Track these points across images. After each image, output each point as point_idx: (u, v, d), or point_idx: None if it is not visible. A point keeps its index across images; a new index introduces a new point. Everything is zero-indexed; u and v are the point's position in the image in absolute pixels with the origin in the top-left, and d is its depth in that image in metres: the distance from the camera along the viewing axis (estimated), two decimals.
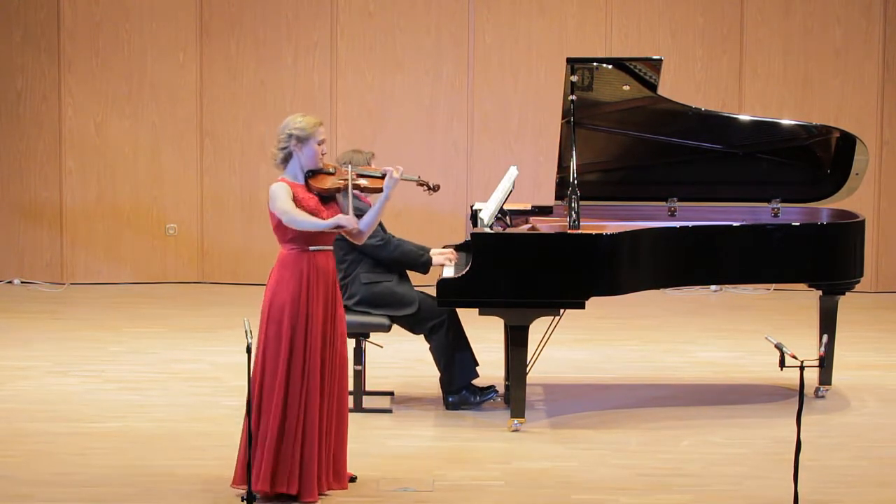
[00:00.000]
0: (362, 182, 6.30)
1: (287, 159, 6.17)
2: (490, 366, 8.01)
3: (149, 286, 11.32)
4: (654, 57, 7.96)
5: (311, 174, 6.19)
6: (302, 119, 6.17)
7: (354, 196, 6.41)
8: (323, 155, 6.20)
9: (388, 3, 11.24)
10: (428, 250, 7.66)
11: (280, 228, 6.13)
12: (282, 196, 6.08)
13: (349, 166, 6.30)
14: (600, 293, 7.23)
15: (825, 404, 7.85)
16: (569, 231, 7.39)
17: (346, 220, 6.14)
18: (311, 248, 6.13)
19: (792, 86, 11.26)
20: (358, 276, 7.52)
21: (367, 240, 7.28)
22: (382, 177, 6.35)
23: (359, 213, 6.33)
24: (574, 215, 7.46)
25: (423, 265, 7.60)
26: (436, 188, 6.69)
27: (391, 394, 7.88)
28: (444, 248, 7.84)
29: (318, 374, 6.08)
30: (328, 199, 6.22)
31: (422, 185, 6.64)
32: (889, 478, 6.59)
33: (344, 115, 11.22)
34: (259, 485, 6.01)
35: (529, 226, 8.05)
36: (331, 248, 6.22)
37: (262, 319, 6.13)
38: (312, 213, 6.11)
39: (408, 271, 7.71)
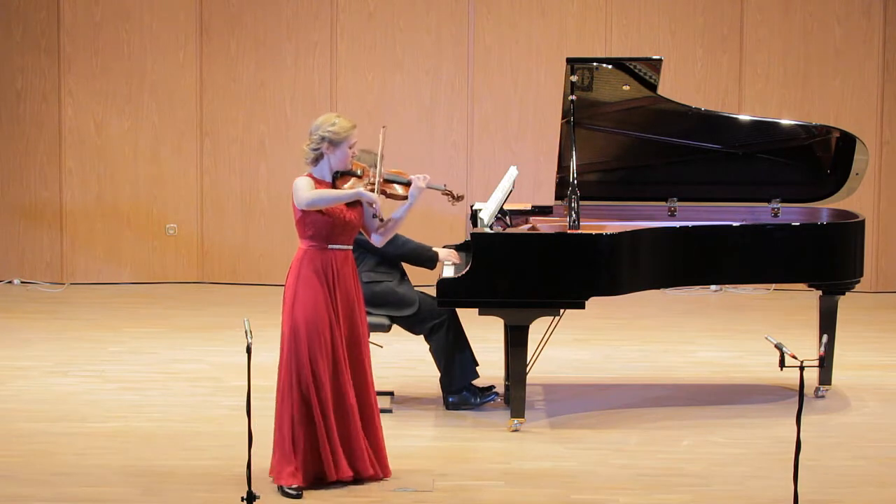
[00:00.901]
0: (389, 189, 6.34)
1: (318, 160, 6.24)
2: (490, 366, 8.01)
3: (149, 286, 11.32)
4: (654, 57, 7.96)
5: (339, 175, 6.23)
6: (336, 122, 6.22)
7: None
8: (353, 157, 6.25)
9: (388, 3, 11.24)
10: (431, 249, 7.68)
11: (301, 223, 6.19)
12: (304, 187, 6.14)
13: (375, 168, 6.32)
14: (600, 293, 7.23)
15: (825, 404, 7.85)
16: (569, 231, 7.39)
17: (369, 194, 6.17)
18: (331, 246, 6.19)
19: (792, 86, 11.25)
20: (360, 274, 7.52)
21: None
22: (407, 183, 6.38)
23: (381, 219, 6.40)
24: (574, 215, 7.46)
25: (430, 260, 7.62)
26: (459, 198, 6.72)
27: (391, 394, 7.88)
28: (443, 248, 7.84)
29: (344, 369, 6.19)
30: (354, 201, 6.25)
31: (447, 194, 6.67)
32: (889, 478, 6.59)
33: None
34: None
35: (529, 226, 8.05)
36: (350, 247, 6.26)
37: (285, 319, 6.19)
38: (337, 212, 6.17)
39: (410, 272, 7.72)
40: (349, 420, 6.22)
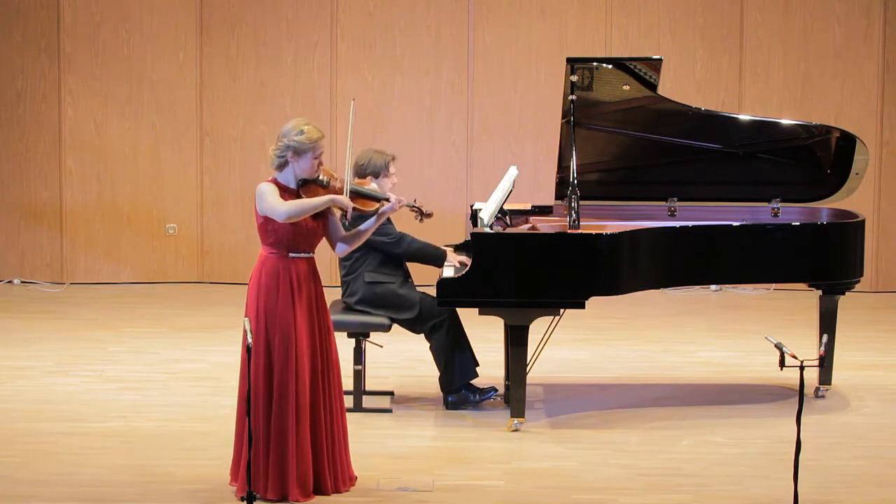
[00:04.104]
0: (357, 202, 6.21)
1: (283, 166, 6.13)
2: (490, 366, 8.01)
3: (149, 286, 11.32)
4: (654, 57, 7.96)
5: (304, 183, 6.15)
6: (305, 130, 6.07)
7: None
8: (319, 167, 6.15)
9: (388, 2, 11.25)
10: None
11: (263, 229, 6.08)
12: (269, 194, 6.02)
13: (348, 135, 6.24)
14: (600, 293, 7.23)
15: (825, 404, 7.85)
16: (569, 231, 7.39)
17: (342, 199, 6.08)
18: (292, 254, 6.09)
19: (792, 86, 11.26)
20: (361, 274, 7.52)
21: (379, 237, 7.31)
22: (376, 199, 6.29)
23: (356, 216, 6.31)
24: (574, 215, 7.46)
25: (439, 258, 7.60)
26: (428, 215, 6.60)
27: (391, 394, 7.88)
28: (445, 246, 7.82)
29: (307, 379, 6.06)
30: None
31: (415, 210, 6.57)
32: (889, 478, 6.59)
33: (344, 115, 11.21)
34: (260, 490, 6.04)
35: (529, 226, 8.05)
36: (312, 254, 6.17)
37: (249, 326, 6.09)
38: (303, 221, 6.05)
39: (413, 271, 7.71)
40: (303, 440, 6.06)
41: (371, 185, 6.54)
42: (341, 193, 6.15)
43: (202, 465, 6.60)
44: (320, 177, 6.15)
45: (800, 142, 8.26)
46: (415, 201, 6.56)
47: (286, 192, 6.09)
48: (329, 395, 6.17)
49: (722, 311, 10.60)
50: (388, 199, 6.29)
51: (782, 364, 5.47)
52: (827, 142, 8.20)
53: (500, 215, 7.69)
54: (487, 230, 7.24)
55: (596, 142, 8.10)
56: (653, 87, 7.89)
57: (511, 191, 7.78)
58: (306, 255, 6.13)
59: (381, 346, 7.93)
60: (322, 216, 6.17)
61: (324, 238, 6.23)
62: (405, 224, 7.64)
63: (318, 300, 6.17)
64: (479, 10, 11.27)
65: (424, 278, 8.03)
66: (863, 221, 7.90)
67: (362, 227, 6.30)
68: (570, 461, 6.78)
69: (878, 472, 6.66)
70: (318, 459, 6.13)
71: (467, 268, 7.17)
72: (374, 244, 7.40)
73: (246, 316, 6.06)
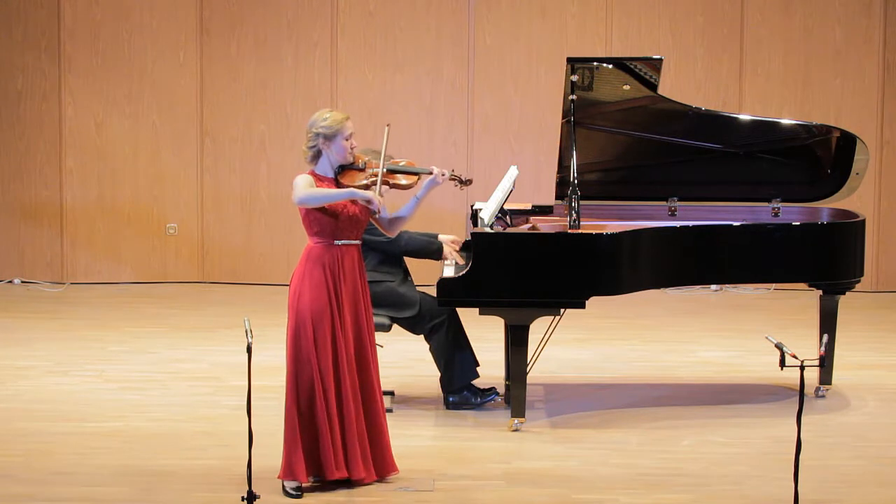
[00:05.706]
0: (394, 179, 6.33)
1: (317, 157, 6.23)
2: (490, 366, 8.01)
3: (149, 286, 11.32)
4: (654, 56, 7.96)
5: (341, 170, 6.23)
6: (328, 115, 6.21)
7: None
8: (353, 149, 6.23)
9: (388, 2, 11.24)
10: (436, 237, 7.67)
11: (307, 220, 6.19)
12: (301, 185, 6.12)
13: (381, 159, 6.29)
14: (600, 293, 7.23)
15: (825, 404, 7.85)
16: (569, 231, 7.39)
17: (364, 193, 6.15)
18: (337, 242, 6.19)
19: (792, 86, 11.26)
20: None
21: (376, 237, 7.33)
22: (414, 173, 6.38)
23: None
24: (574, 215, 7.46)
25: (437, 252, 7.62)
26: (468, 182, 6.72)
27: (391, 394, 7.88)
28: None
29: (347, 366, 6.19)
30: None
31: (454, 179, 6.67)
32: (889, 478, 6.59)
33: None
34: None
35: (530, 225, 8.05)
36: (359, 242, 6.25)
37: (290, 315, 6.20)
38: (340, 207, 6.15)
39: (413, 271, 7.71)
40: (348, 420, 6.20)
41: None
42: (375, 175, 6.23)
43: (202, 465, 6.61)
44: (356, 161, 6.26)
45: (800, 141, 8.26)
46: (452, 171, 6.64)
47: (324, 182, 6.19)
48: (369, 384, 6.31)
49: (722, 311, 10.60)
50: (429, 172, 6.43)
51: (782, 364, 5.47)
52: (827, 141, 8.20)
53: (500, 215, 7.69)
54: (488, 230, 7.24)
55: (596, 141, 8.10)
56: (653, 86, 7.89)
57: (511, 191, 7.78)
58: (352, 241, 6.22)
59: (381, 346, 7.92)
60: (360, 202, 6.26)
61: (372, 219, 6.35)
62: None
63: (364, 289, 6.30)
64: (479, 10, 11.27)
65: (425, 278, 8.02)
66: (863, 221, 7.90)
67: (409, 204, 6.40)
68: (570, 461, 6.78)
69: (878, 472, 6.66)
70: (350, 450, 6.23)
71: (468, 267, 7.17)
72: (372, 244, 7.41)
73: (293, 309, 6.13)
